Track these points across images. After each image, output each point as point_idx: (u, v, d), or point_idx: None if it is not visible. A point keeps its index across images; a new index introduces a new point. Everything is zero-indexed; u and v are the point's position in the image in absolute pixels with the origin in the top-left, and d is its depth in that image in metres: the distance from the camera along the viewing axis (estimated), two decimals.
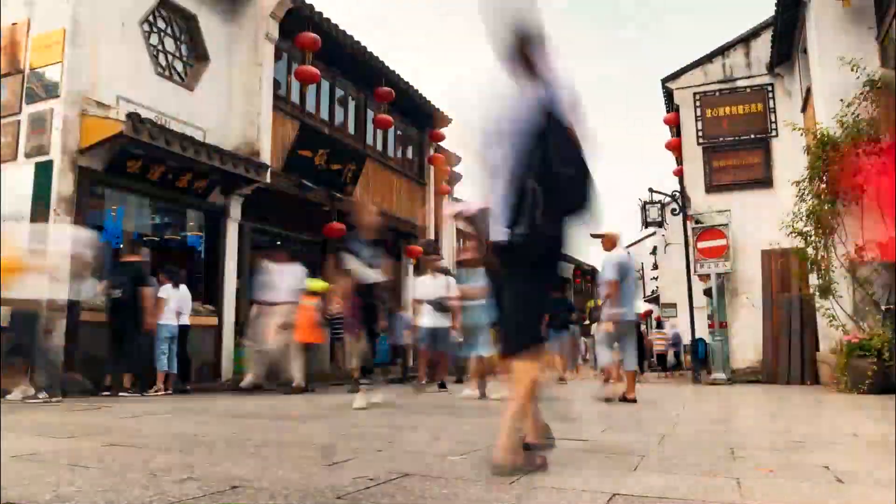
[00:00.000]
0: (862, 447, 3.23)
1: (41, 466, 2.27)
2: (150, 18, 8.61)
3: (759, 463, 2.58)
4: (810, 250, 8.52)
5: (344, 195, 11.36)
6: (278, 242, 10.49)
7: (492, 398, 5.97)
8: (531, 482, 2.10)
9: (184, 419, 4.30)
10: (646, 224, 15.58)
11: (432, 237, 15.00)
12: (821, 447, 3.12)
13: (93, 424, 3.80)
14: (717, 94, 13.08)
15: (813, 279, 8.97)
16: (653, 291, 31.17)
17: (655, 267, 29.51)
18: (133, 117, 7.34)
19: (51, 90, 7.34)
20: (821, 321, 8.90)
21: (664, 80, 13.79)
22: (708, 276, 12.54)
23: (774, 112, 12.54)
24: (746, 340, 11.72)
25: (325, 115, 11.66)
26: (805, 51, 9.98)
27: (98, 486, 1.92)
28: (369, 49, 11.80)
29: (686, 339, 16.19)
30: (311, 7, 10.23)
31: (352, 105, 12.59)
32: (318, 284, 7.98)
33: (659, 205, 14.91)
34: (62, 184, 7.09)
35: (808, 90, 9.84)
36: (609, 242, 6.30)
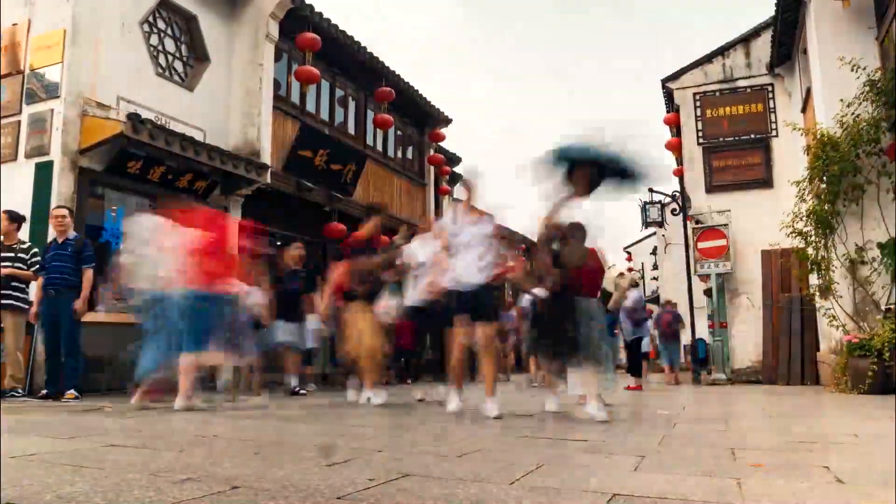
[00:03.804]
0: (862, 447, 3.23)
1: (41, 466, 2.27)
2: (150, 19, 8.61)
3: (753, 460, 2.58)
4: (810, 250, 8.51)
5: (344, 195, 11.36)
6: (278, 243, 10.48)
7: None
8: (531, 482, 2.10)
9: (184, 419, 4.30)
10: (646, 224, 15.57)
11: None
12: (821, 447, 3.12)
13: (93, 424, 3.80)
14: (717, 94, 13.09)
15: (813, 279, 8.97)
16: (653, 291, 31.17)
17: (655, 267, 29.46)
18: (133, 118, 7.34)
19: (51, 91, 7.35)
20: (821, 321, 8.90)
21: (664, 80, 13.80)
22: (708, 276, 12.55)
23: (774, 112, 12.55)
24: (746, 340, 11.72)
25: (325, 115, 11.67)
26: (805, 51, 9.98)
27: (98, 486, 1.92)
28: (369, 49, 11.81)
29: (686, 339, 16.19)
30: (311, 7, 10.24)
31: (352, 105, 12.59)
32: None
33: (659, 205, 14.90)
34: (62, 184, 7.10)
35: (808, 90, 9.84)
36: None
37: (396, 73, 12.72)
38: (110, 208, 8.21)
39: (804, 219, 8.49)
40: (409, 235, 6.78)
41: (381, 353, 5.88)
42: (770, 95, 12.65)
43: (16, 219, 6.47)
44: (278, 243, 9.21)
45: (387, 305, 5.96)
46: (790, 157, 11.26)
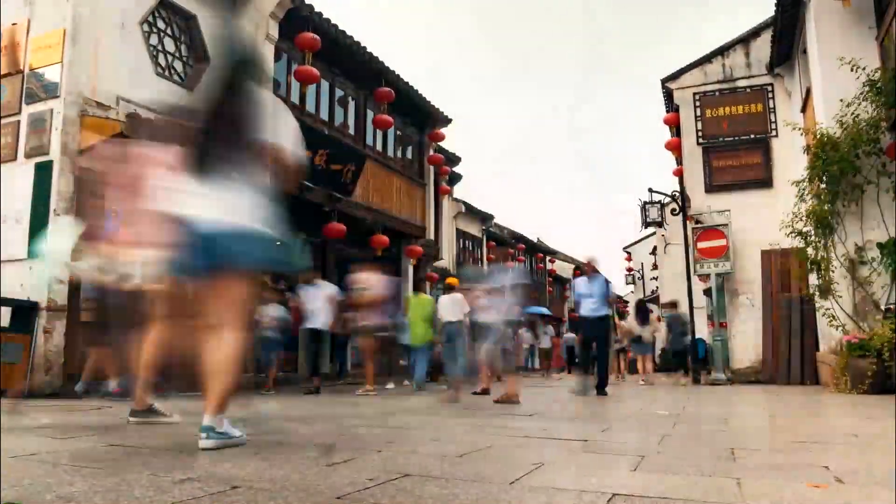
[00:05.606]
0: (862, 447, 3.23)
1: (41, 466, 2.27)
2: (150, 19, 8.61)
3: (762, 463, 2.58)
4: (810, 250, 8.52)
5: (344, 195, 11.36)
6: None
7: None
8: (531, 482, 2.10)
9: (184, 419, 4.29)
10: (646, 224, 15.56)
11: (432, 237, 15.01)
12: (821, 447, 3.12)
13: (93, 424, 3.80)
14: (717, 94, 13.09)
15: (813, 279, 8.97)
16: (653, 291, 31.18)
17: (655, 267, 29.48)
18: (133, 117, 7.34)
19: (51, 90, 7.35)
20: (821, 321, 8.90)
21: (664, 80, 13.80)
22: (708, 276, 12.55)
23: (774, 112, 12.55)
24: (746, 340, 11.72)
25: (325, 115, 11.67)
26: (805, 51, 9.98)
27: (98, 486, 1.92)
28: (369, 49, 11.81)
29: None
30: (310, 7, 10.23)
31: (352, 105, 12.60)
32: None
33: (659, 205, 14.90)
34: (62, 184, 7.10)
35: (808, 90, 9.84)
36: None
37: (396, 72, 12.72)
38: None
39: (804, 219, 8.49)
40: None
41: None
42: (770, 95, 12.65)
43: None
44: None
45: None
46: (790, 157, 11.26)
